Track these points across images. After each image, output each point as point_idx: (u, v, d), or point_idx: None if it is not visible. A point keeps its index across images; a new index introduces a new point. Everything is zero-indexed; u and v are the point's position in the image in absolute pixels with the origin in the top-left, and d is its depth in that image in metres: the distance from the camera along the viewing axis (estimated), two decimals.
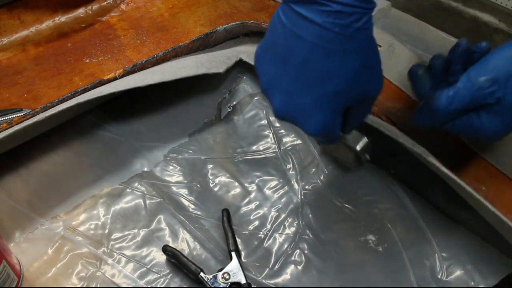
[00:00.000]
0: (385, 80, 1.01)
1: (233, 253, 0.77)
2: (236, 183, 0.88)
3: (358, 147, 0.76)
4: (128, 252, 0.79)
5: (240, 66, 1.02)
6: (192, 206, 0.85)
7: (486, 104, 0.70)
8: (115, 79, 0.92)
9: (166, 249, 0.77)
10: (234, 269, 0.75)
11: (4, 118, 0.86)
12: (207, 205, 0.85)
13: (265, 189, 0.88)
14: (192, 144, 0.93)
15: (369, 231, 0.83)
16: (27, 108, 0.89)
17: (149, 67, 0.96)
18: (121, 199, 0.84)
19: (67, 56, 1.02)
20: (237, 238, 0.80)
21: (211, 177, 0.89)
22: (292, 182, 0.89)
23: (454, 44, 0.76)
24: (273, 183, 0.89)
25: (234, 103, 1.00)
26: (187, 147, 0.92)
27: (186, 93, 0.99)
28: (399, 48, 1.04)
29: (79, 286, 0.75)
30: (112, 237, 0.80)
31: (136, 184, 0.86)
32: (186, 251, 0.80)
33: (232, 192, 0.87)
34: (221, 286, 0.73)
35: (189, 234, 0.81)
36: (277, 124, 0.96)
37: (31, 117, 0.83)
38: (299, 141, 0.94)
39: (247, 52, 1.03)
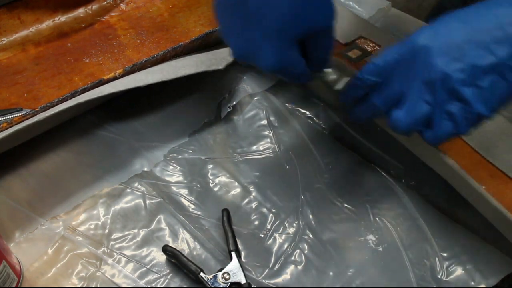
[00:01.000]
0: None
1: (233, 253, 0.77)
2: (236, 183, 0.88)
3: (337, 87, 0.77)
4: (128, 252, 0.79)
5: (240, 65, 1.02)
6: (192, 206, 0.85)
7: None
8: (115, 78, 0.92)
9: (166, 249, 0.77)
10: (234, 269, 0.75)
11: (4, 118, 0.86)
12: (207, 205, 0.85)
13: (265, 189, 0.88)
14: (192, 144, 0.93)
15: (369, 231, 0.83)
16: (27, 108, 0.89)
17: (149, 67, 0.96)
18: (121, 199, 0.84)
19: (67, 56, 1.03)
20: (237, 238, 0.79)
21: (211, 177, 0.89)
22: (292, 182, 0.89)
23: None
24: (273, 183, 0.89)
25: (234, 103, 0.99)
26: (187, 147, 0.92)
27: (186, 93, 0.99)
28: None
29: (79, 286, 0.75)
30: (112, 237, 0.80)
31: (136, 184, 0.86)
32: (186, 251, 0.80)
33: (232, 192, 0.87)
34: (221, 286, 0.73)
35: (189, 234, 0.81)
36: (277, 124, 0.96)
37: (31, 117, 0.83)
38: (299, 141, 0.94)
39: None
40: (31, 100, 0.93)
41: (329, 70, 0.76)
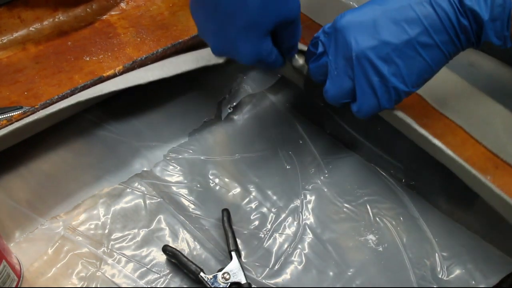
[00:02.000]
0: None
1: (233, 253, 0.77)
2: (236, 183, 0.88)
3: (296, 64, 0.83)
4: (128, 252, 0.79)
5: (240, 64, 1.01)
6: (192, 206, 0.85)
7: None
8: (114, 76, 0.92)
9: (166, 249, 0.77)
10: (234, 269, 0.75)
11: (4, 116, 0.86)
12: (207, 205, 0.85)
13: (265, 189, 0.88)
14: (192, 144, 0.93)
15: (369, 231, 0.83)
16: (28, 106, 0.89)
17: (149, 64, 0.96)
18: (121, 199, 0.84)
19: (67, 55, 1.02)
20: (237, 238, 0.80)
21: (211, 177, 0.89)
22: (292, 182, 0.89)
23: None
24: (273, 183, 0.89)
25: (235, 103, 0.99)
26: (187, 147, 0.92)
27: (186, 93, 0.99)
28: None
29: (79, 286, 0.75)
30: (112, 237, 0.80)
31: (136, 184, 0.86)
32: (186, 251, 0.80)
33: (232, 192, 0.87)
34: (221, 286, 0.74)
35: (189, 234, 0.81)
36: (277, 124, 0.96)
37: (31, 114, 0.83)
38: (299, 141, 0.94)
39: None
40: (31, 99, 0.93)
41: (297, 55, 0.84)
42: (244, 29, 0.70)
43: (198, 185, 0.87)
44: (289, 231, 0.83)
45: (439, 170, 0.80)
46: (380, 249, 0.82)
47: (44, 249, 0.78)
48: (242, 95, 1.00)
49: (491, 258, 0.80)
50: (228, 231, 0.79)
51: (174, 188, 0.86)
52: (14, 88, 0.94)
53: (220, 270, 0.75)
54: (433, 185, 0.86)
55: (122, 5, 1.13)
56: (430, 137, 0.78)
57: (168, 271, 0.78)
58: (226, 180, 0.89)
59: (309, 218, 0.84)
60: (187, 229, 0.82)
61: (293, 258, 0.80)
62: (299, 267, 0.79)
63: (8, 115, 0.86)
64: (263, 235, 0.82)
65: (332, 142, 0.95)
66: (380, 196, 0.87)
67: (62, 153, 0.89)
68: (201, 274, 0.74)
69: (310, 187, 0.88)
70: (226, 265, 0.76)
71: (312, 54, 0.76)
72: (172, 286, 0.76)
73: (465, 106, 0.92)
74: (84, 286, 0.75)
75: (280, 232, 0.83)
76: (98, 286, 0.75)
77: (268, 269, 0.79)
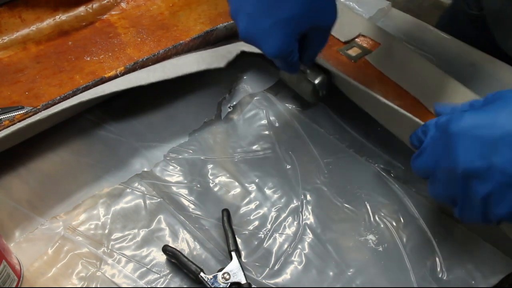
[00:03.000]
0: (384, 77, 1.01)
1: (233, 253, 0.76)
2: (236, 183, 0.88)
3: (316, 81, 0.91)
4: (128, 252, 0.79)
5: (240, 65, 1.02)
6: (192, 206, 0.85)
7: None
8: (116, 76, 0.92)
9: (166, 249, 0.77)
10: (234, 269, 0.75)
11: (6, 116, 0.86)
12: (207, 205, 0.85)
13: (265, 189, 0.88)
14: (192, 144, 0.93)
15: (369, 231, 0.83)
16: (29, 106, 0.90)
17: (150, 65, 0.96)
18: (121, 199, 0.84)
19: (68, 54, 1.03)
20: (237, 238, 0.79)
21: (211, 177, 0.89)
22: (292, 182, 0.89)
23: None
24: (273, 183, 0.88)
25: (234, 103, 1.00)
26: (187, 147, 0.92)
27: (186, 93, 0.99)
28: (399, 46, 1.04)
29: (79, 286, 0.75)
30: (112, 237, 0.80)
31: (136, 184, 0.86)
32: (186, 251, 0.80)
33: (232, 192, 0.87)
34: (221, 286, 0.73)
35: (189, 234, 0.81)
36: (277, 124, 0.96)
37: (33, 115, 0.84)
38: (299, 141, 0.94)
39: (248, 45, 1.03)
40: (32, 98, 0.93)
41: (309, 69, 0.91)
42: (282, 22, 0.72)
43: (198, 185, 0.87)
44: (289, 231, 0.83)
45: None
46: (380, 249, 0.81)
47: (44, 249, 0.78)
48: (242, 95, 1.01)
49: (491, 259, 0.80)
50: (228, 231, 0.79)
51: (174, 188, 0.86)
52: (15, 88, 0.95)
53: (220, 270, 0.75)
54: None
55: (123, 5, 1.13)
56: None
57: (168, 271, 0.78)
58: (226, 180, 0.88)
59: (309, 218, 0.84)
60: (187, 229, 0.82)
61: (293, 258, 0.80)
62: (299, 267, 0.79)
63: (10, 115, 0.86)
64: (263, 235, 0.82)
65: (332, 142, 0.95)
66: (380, 196, 0.87)
67: (62, 153, 0.89)
68: (201, 274, 0.74)
69: (310, 187, 0.88)
70: (226, 265, 0.76)
71: (414, 147, 0.73)
72: (172, 286, 0.76)
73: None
74: (84, 286, 0.75)
75: (280, 232, 0.83)
76: (98, 286, 0.75)
77: (268, 269, 0.79)
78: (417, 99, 0.98)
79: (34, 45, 1.05)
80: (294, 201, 0.86)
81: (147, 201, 0.84)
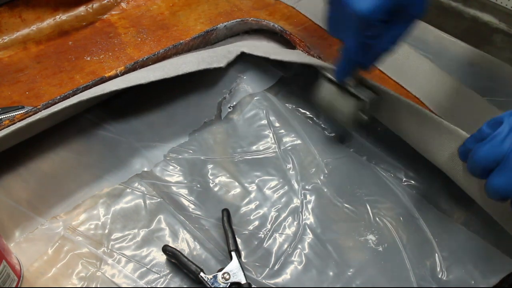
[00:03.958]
0: (383, 76, 1.01)
1: (233, 253, 0.76)
2: (236, 183, 0.88)
3: (367, 98, 0.83)
4: (128, 252, 0.79)
5: (240, 65, 1.03)
6: (192, 206, 0.85)
7: None
8: (116, 76, 0.92)
9: (166, 249, 0.77)
10: (234, 269, 0.75)
11: (7, 116, 0.86)
12: (207, 205, 0.85)
13: (265, 189, 0.88)
14: (192, 144, 0.93)
15: (369, 231, 0.83)
16: (29, 105, 0.90)
17: (150, 64, 0.97)
18: (121, 199, 0.84)
19: (68, 54, 1.03)
20: (237, 238, 0.79)
21: (211, 177, 0.89)
22: (292, 182, 0.89)
23: None
24: (273, 183, 0.88)
25: (234, 103, 1.00)
26: (187, 147, 0.92)
27: (186, 93, 0.99)
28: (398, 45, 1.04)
29: (79, 286, 0.75)
30: (112, 237, 0.80)
31: (136, 184, 0.86)
32: (186, 251, 0.80)
33: (232, 192, 0.87)
34: (221, 286, 0.73)
35: (189, 234, 0.81)
36: (277, 124, 0.96)
37: (33, 114, 0.84)
38: (299, 141, 0.94)
39: (248, 45, 1.03)
40: (32, 98, 0.93)
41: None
42: None
43: (198, 185, 0.87)
44: (289, 231, 0.83)
45: (439, 170, 0.80)
46: (380, 249, 0.81)
47: (44, 249, 0.78)
48: (242, 95, 1.01)
49: (491, 258, 0.80)
50: (228, 231, 0.79)
51: (174, 188, 0.86)
52: (15, 87, 0.95)
53: (220, 270, 0.75)
54: (433, 185, 0.86)
55: (123, 4, 1.13)
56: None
57: (168, 271, 0.78)
58: (226, 180, 0.89)
59: (309, 218, 0.84)
60: (187, 229, 0.82)
61: (293, 258, 0.80)
62: (299, 267, 0.79)
63: (10, 114, 0.86)
64: (263, 235, 0.82)
65: (332, 142, 0.95)
66: (380, 196, 0.87)
67: (62, 153, 0.89)
68: (201, 274, 0.74)
69: (310, 187, 0.88)
70: (226, 265, 0.76)
71: (485, 135, 0.65)
72: (172, 286, 0.76)
73: (463, 110, 0.93)
74: (84, 286, 0.75)
75: (280, 232, 0.83)
76: (98, 286, 0.75)
77: (268, 269, 0.79)
78: (418, 98, 0.98)
79: (35, 45, 1.05)
80: (294, 201, 0.86)
81: (147, 201, 0.84)
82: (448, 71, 1.01)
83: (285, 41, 1.07)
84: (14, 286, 0.72)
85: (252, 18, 1.10)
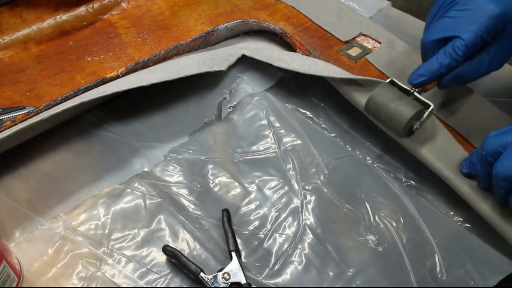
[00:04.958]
0: (384, 77, 1.01)
1: (233, 253, 0.77)
2: (236, 183, 0.88)
3: (431, 107, 0.82)
4: (128, 252, 0.79)
5: (240, 65, 1.03)
6: (192, 206, 0.85)
7: None
8: (117, 77, 0.92)
9: (166, 249, 0.77)
10: (234, 269, 0.75)
11: (8, 116, 0.86)
12: (207, 205, 0.85)
13: (265, 189, 0.88)
14: (192, 144, 0.93)
15: (369, 231, 0.83)
16: (30, 106, 0.90)
17: (151, 65, 0.97)
18: (121, 199, 0.84)
19: (68, 54, 1.03)
20: (237, 238, 0.80)
21: (211, 177, 0.89)
22: (292, 182, 0.89)
23: None
24: (273, 183, 0.89)
25: (234, 103, 1.00)
26: (187, 147, 0.92)
27: (187, 93, 0.99)
28: (399, 45, 1.04)
29: (79, 286, 0.75)
30: (112, 237, 0.80)
31: (136, 184, 0.86)
32: (186, 251, 0.80)
33: (232, 192, 0.87)
34: (221, 286, 0.74)
35: (189, 234, 0.81)
36: (277, 124, 0.96)
37: (34, 115, 0.84)
38: (299, 141, 0.94)
39: (249, 48, 1.03)
40: (33, 99, 0.93)
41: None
42: None
43: (198, 185, 0.87)
44: (289, 231, 0.83)
45: None
46: (380, 249, 0.81)
47: (44, 249, 0.78)
48: (242, 95, 1.01)
49: (490, 259, 0.80)
50: (228, 231, 0.79)
51: (174, 188, 0.86)
52: (16, 88, 0.95)
53: (220, 270, 0.75)
54: (433, 185, 0.86)
55: (123, 4, 1.13)
56: None
57: (168, 271, 0.78)
58: (226, 180, 0.89)
59: (309, 218, 0.84)
60: (187, 229, 0.82)
61: (293, 258, 0.80)
62: (299, 267, 0.79)
63: (12, 115, 0.86)
64: (263, 235, 0.82)
65: (332, 142, 0.95)
66: (380, 197, 0.87)
67: (62, 153, 0.89)
68: (201, 274, 0.74)
69: (310, 187, 0.88)
70: (226, 265, 0.76)
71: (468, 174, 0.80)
72: (172, 286, 0.76)
73: (462, 109, 0.93)
74: (84, 286, 0.75)
75: (280, 232, 0.83)
76: (98, 286, 0.75)
77: (268, 269, 0.79)
78: None
79: (35, 45, 1.05)
80: (294, 201, 0.87)
81: (147, 201, 0.84)
82: None
83: (286, 43, 1.07)
84: (14, 286, 0.72)
85: (252, 19, 1.10)
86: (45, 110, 0.85)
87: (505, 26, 0.78)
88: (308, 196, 0.87)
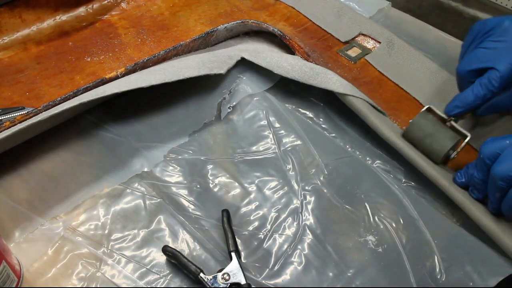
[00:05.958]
0: (383, 78, 1.01)
1: (233, 254, 0.77)
2: (236, 184, 0.88)
3: (468, 136, 0.85)
4: (128, 253, 0.79)
5: (240, 66, 1.02)
6: (192, 207, 0.85)
7: None
8: (116, 77, 0.92)
9: (166, 250, 0.77)
10: (234, 270, 0.75)
11: (7, 117, 0.86)
12: (207, 205, 0.85)
13: (265, 190, 0.88)
14: (192, 145, 0.93)
15: (369, 232, 0.83)
16: (29, 106, 0.90)
17: (151, 66, 0.97)
18: (121, 200, 0.84)
19: (68, 55, 1.03)
20: (237, 239, 0.80)
21: (211, 178, 0.89)
22: (292, 182, 0.89)
23: None
24: (273, 184, 0.88)
25: (234, 103, 0.99)
26: (187, 147, 0.92)
27: (186, 93, 0.99)
28: (399, 45, 1.04)
29: (79, 286, 0.75)
30: (112, 238, 0.80)
31: (136, 185, 0.86)
32: (186, 252, 0.80)
33: (232, 193, 0.87)
34: (221, 287, 0.73)
35: (189, 234, 0.81)
36: (277, 125, 0.96)
37: (33, 116, 0.84)
38: (299, 142, 0.94)
39: (248, 50, 1.03)
40: (33, 99, 0.93)
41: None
42: None
43: (198, 186, 0.87)
44: (289, 231, 0.83)
45: None
46: (380, 250, 0.81)
47: (44, 249, 0.78)
48: (242, 96, 1.01)
49: (489, 261, 0.80)
50: (228, 231, 0.79)
51: (174, 189, 0.86)
52: (15, 88, 0.95)
53: (220, 271, 0.75)
54: (433, 186, 0.86)
55: (123, 5, 1.13)
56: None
57: (168, 271, 0.78)
58: (226, 180, 0.89)
59: (308, 219, 0.84)
60: (187, 230, 0.82)
61: (293, 258, 0.80)
62: (299, 268, 0.79)
63: (11, 115, 0.86)
64: (263, 236, 0.82)
65: (332, 142, 0.95)
66: (380, 197, 0.87)
67: (62, 153, 0.89)
68: (201, 274, 0.74)
69: (309, 188, 0.88)
70: (226, 265, 0.76)
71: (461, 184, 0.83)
72: (172, 286, 0.76)
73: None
74: (84, 287, 0.75)
75: (280, 232, 0.83)
76: (98, 287, 0.75)
77: (268, 269, 0.79)
78: (417, 100, 0.98)
79: (35, 46, 1.05)
80: (294, 202, 0.86)
81: (147, 202, 0.84)
82: (448, 71, 1.01)
83: (285, 45, 1.07)
84: (14, 286, 0.72)
85: (252, 20, 1.10)
86: (44, 111, 0.85)
87: None
88: (308, 197, 0.87)
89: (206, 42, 1.07)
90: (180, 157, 0.91)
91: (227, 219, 0.80)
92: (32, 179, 0.85)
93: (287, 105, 1.00)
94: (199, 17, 1.13)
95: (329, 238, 0.83)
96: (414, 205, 0.86)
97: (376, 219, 0.85)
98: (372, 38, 1.09)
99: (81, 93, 0.89)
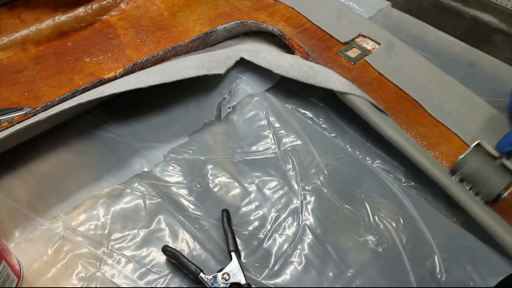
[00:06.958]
0: (383, 79, 1.01)
1: (233, 254, 0.77)
2: (236, 184, 0.88)
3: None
4: (128, 253, 0.79)
5: (240, 66, 1.02)
6: (192, 207, 0.85)
7: None
8: (115, 78, 0.92)
9: (166, 250, 0.77)
10: (234, 270, 0.75)
11: (5, 117, 0.86)
12: (207, 205, 0.85)
13: (265, 190, 0.88)
14: (192, 145, 0.93)
15: (369, 232, 0.83)
16: (28, 107, 0.90)
17: (149, 66, 0.97)
18: (121, 200, 0.84)
19: (67, 55, 1.03)
20: (237, 239, 0.79)
21: (211, 178, 0.89)
22: (292, 182, 0.89)
23: None
24: (273, 184, 0.88)
25: (234, 103, 0.99)
26: (187, 147, 0.92)
27: (186, 93, 0.99)
28: (398, 46, 1.04)
29: (79, 286, 0.75)
30: (112, 238, 0.80)
31: (136, 185, 0.86)
32: (186, 252, 0.79)
33: (232, 193, 0.87)
34: (221, 287, 0.73)
35: (189, 234, 0.81)
36: (277, 125, 0.96)
37: (32, 116, 0.84)
38: (299, 142, 0.94)
39: (247, 50, 1.03)
40: (31, 99, 0.93)
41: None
42: None
43: (198, 186, 0.87)
44: (289, 231, 0.83)
45: None
46: (380, 249, 0.81)
47: (44, 249, 0.78)
48: (242, 96, 1.00)
49: (490, 261, 0.80)
50: (228, 231, 0.79)
51: (174, 189, 0.86)
52: (14, 89, 0.95)
53: (220, 271, 0.75)
54: (433, 186, 0.86)
55: (122, 5, 1.13)
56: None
57: (168, 271, 0.78)
58: (226, 180, 0.89)
59: (308, 219, 0.84)
60: (187, 230, 0.82)
61: (293, 258, 0.80)
62: (299, 268, 0.79)
63: (9, 116, 0.86)
64: (262, 236, 0.82)
65: (332, 142, 0.95)
66: (380, 197, 0.87)
67: (62, 153, 0.89)
68: (201, 274, 0.74)
69: (309, 188, 0.88)
70: (226, 265, 0.76)
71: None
72: (172, 286, 0.76)
73: (461, 112, 0.93)
74: (84, 287, 0.75)
75: (280, 232, 0.83)
76: (98, 287, 0.75)
77: (268, 269, 0.79)
78: (417, 101, 0.98)
79: (34, 46, 1.05)
80: (294, 202, 0.86)
81: (147, 202, 0.84)
82: (448, 71, 1.01)
83: (284, 45, 1.07)
84: (14, 286, 0.72)
85: (251, 21, 1.10)
86: (43, 111, 0.85)
87: None
88: (308, 197, 0.87)
89: (205, 42, 1.07)
90: (180, 157, 0.91)
91: (227, 219, 0.80)
92: (32, 179, 0.85)
93: (287, 105, 1.00)
94: (198, 17, 1.13)
95: (329, 238, 0.83)
96: (414, 205, 0.86)
97: (376, 219, 0.85)
98: (372, 39, 1.09)
99: (80, 94, 0.89)
